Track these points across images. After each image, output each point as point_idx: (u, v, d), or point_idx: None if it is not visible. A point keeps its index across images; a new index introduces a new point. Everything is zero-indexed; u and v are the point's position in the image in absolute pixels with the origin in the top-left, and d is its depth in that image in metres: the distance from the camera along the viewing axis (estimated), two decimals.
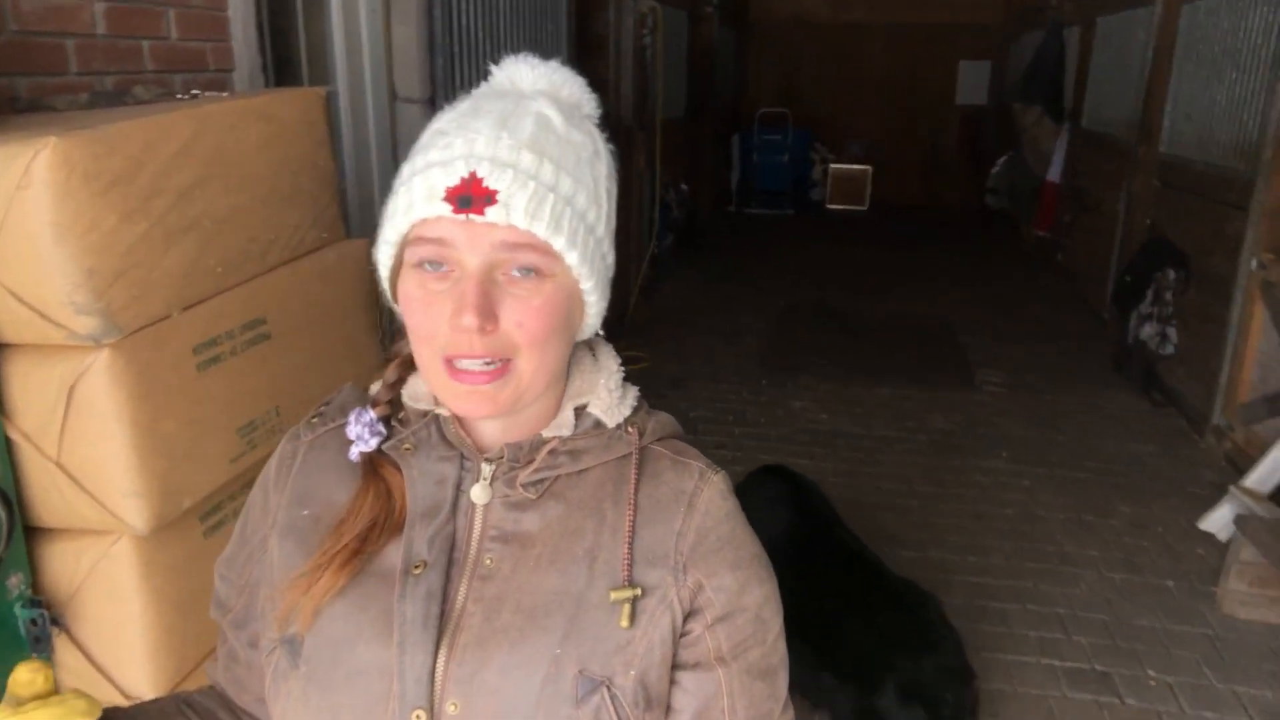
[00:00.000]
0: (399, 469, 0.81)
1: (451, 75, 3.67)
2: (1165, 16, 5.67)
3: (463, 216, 0.70)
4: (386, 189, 2.74)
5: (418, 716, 0.73)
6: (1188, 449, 4.49)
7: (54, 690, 0.72)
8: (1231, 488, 3.58)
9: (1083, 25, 7.57)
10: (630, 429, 0.82)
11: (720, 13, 9.47)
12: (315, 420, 0.89)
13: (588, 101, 0.81)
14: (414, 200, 0.72)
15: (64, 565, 1.48)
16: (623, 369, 0.86)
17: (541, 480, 0.79)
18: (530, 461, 0.80)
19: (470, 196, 0.69)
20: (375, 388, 0.86)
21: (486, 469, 0.80)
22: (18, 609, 1.42)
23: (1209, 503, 3.71)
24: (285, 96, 1.80)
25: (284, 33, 2.85)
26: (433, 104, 3.53)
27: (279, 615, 0.79)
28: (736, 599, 0.79)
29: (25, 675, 0.71)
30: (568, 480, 0.80)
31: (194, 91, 1.87)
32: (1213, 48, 4.94)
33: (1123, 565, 3.43)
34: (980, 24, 11.50)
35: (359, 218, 3.28)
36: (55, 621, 1.47)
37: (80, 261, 1.33)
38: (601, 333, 0.86)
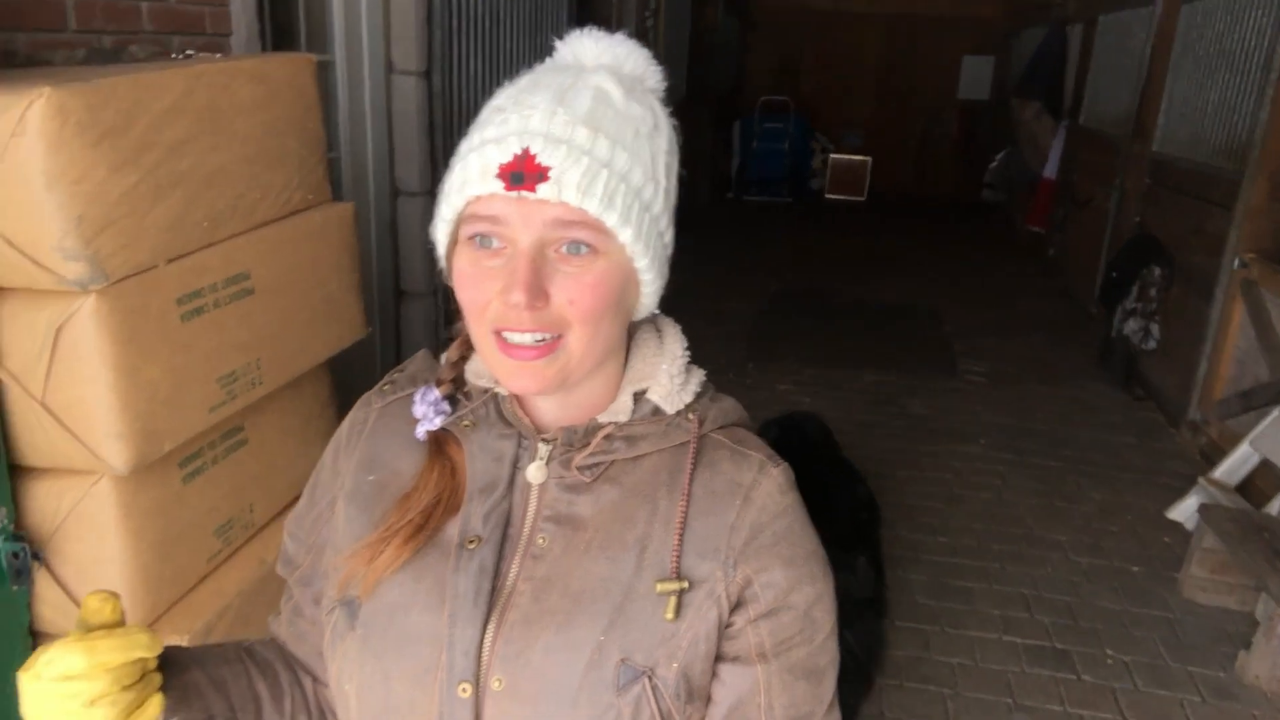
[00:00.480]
0: (460, 446, 0.81)
1: (449, 49, 3.71)
2: (1165, 16, 5.70)
3: (515, 194, 0.69)
4: (380, 158, 2.81)
5: (463, 689, 0.74)
6: (1163, 442, 4.56)
7: (121, 620, 0.73)
8: (1200, 479, 3.66)
9: (1085, 22, 7.60)
10: (691, 416, 0.81)
11: None
12: (387, 388, 0.88)
13: (652, 75, 0.80)
14: (468, 177, 0.71)
15: (46, 503, 1.55)
16: (688, 353, 0.84)
17: (597, 464, 0.79)
18: (586, 445, 0.79)
19: (522, 173, 0.69)
20: (448, 353, 0.87)
21: (543, 449, 0.80)
22: (0, 542, 1.49)
23: (1180, 494, 3.79)
24: (277, 60, 1.86)
25: (284, 1, 2.89)
26: (428, 77, 3.57)
27: (340, 580, 0.80)
28: (785, 596, 0.77)
29: (95, 603, 0.72)
30: (623, 465, 0.79)
31: (189, 52, 1.92)
32: (1209, 48, 4.98)
33: (1089, 550, 3.51)
34: (983, 18, 11.51)
35: (352, 189, 3.33)
36: (36, 556, 1.54)
37: (70, 209, 1.38)
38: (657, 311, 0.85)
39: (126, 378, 1.48)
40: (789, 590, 0.77)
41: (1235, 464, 3.63)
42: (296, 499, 2.07)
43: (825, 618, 0.79)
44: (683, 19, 7.97)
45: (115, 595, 0.73)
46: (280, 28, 2.87)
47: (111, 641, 0.69)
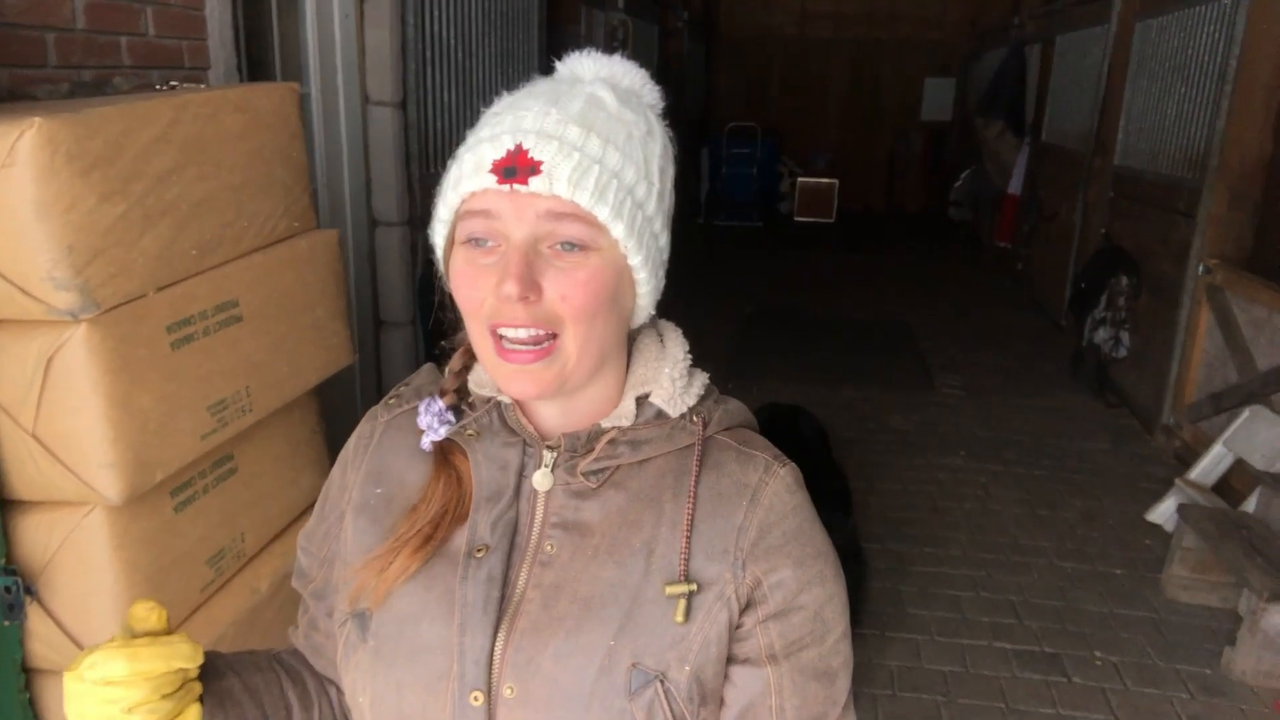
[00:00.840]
0: (465, 455, 0.81)
1: (423, 80, 3.74)
2: (1120, 34, 5.86)
3: (507, 187, 0.70)
4: (357, 189, 2.83)
5: (475, 697, 0.74)
6: (1139, 446, 4.63)
7: (166, 629, 0.73)
8: (1177, 480, 3.72)
9: (1043, 42, 7.79)
10: (695, 419, 0.81)
11: (690, 27, 9.61)
12: (393, 401, 0.89)
13: (650, 92, 0.81)
14: (463, 173, 0.73)
15: (37, 536, 1.53)
16: (689, 355, 0.85)
17: (602, 469, 0.79)
18: (590, 450, 0.79)
19: (515, 167, 0.70)
20: (451, 362, 0.87)
21: (548, 456, 0.79)
22: None
23: (1158, 497, 3.85)
24: (261, 90, 1.87)
25: (258, 34, 2.91)
26: (404, 108, 3.60)
27: (351, 593, 0.80)
28: (794, 597, 0.77)
29: (141, 611, 0.72)
30: (629, 470, 0.79)
31: (172, 83, 1.93)
32: (1163, 64, 5.12)
33: (1073, 555, 3.54)
34: (944, 42, 11.76)
35: (329, 218, 3.34)
36: (29, 590, 1.52)
37: (61, 239, 1.38)
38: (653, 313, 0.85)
39: (118, 407, 1.47)
40: (799, 591, 0.77)
41: (1210, 464, 3.69)
42: (289, 526, 2.06)
43: (837, 619, 0.79)
44: (650, 47, 8.07)
45: (160, 605, 0.74)
46: (255, 61, 2.89)
47: (154, 650, 0.70)
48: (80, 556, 1.52)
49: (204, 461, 1.72)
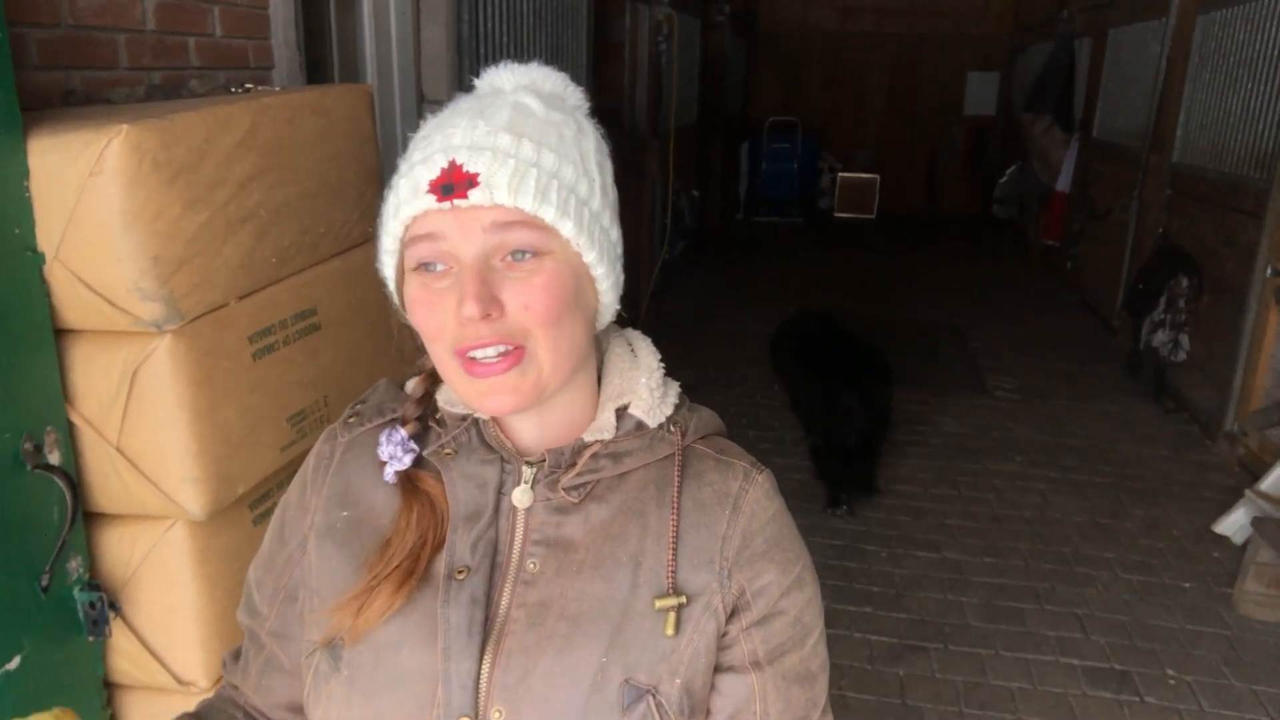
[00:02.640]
0: (439, 477, 0.80)
1: (477, 77, 3.71)
2: (1179, 28, 5.71)
3: (447, 204, 0.69)
4: None
5: None
6: (1200, 454, 4.51)
7: None
8: (1247, 491, 3.61)
9: (1094, 36, 7.62)
10: (673, 428, 0.81)
11: (731, 21, 9.52)
12: (352, 420, 0.87)
13: (573, 94, 0.80)
14: (400, 200, 0.72)
15: (120, 550, 1.51)
16: (663, 365, 0.84)
17: (584, 484, 0.78)
18: (572, 466, 0.78)
19: (451, 184, 0.69)
20: (410, 385, 0.86)
21: (528, 472, 0.79)
22: (76, 592, 1.45)
23: (1222, 507, 3.74)
24: (337, 92, 1.84)
25: (316, 33, 2.88)
26: None
27: (325, 634, 0.77)
28: (776, 602, 0.78)
29: None
30: (610, 483, 0.79)
31: (246, 85, 1.90)
32: (1228, 58, 4.98)
33: (1138, 567, 3.45)
34: (988, 35, 11.56)
35: None
36: (112, 605, 1.50)
37: (147, 248, 1.36)
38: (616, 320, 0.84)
39: (202, 420, 1.44)
40: (780, 596, 0.78)
41: None
42: None
43: (815, 621, 0.81)
44: (692, 42, 8.00)
45: (71, 713, 0.72)
46: (314, 60, 2.87)
47: None
48: (163, 571, 1.50)
49: (283, 474, 1.69)
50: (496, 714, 0.73)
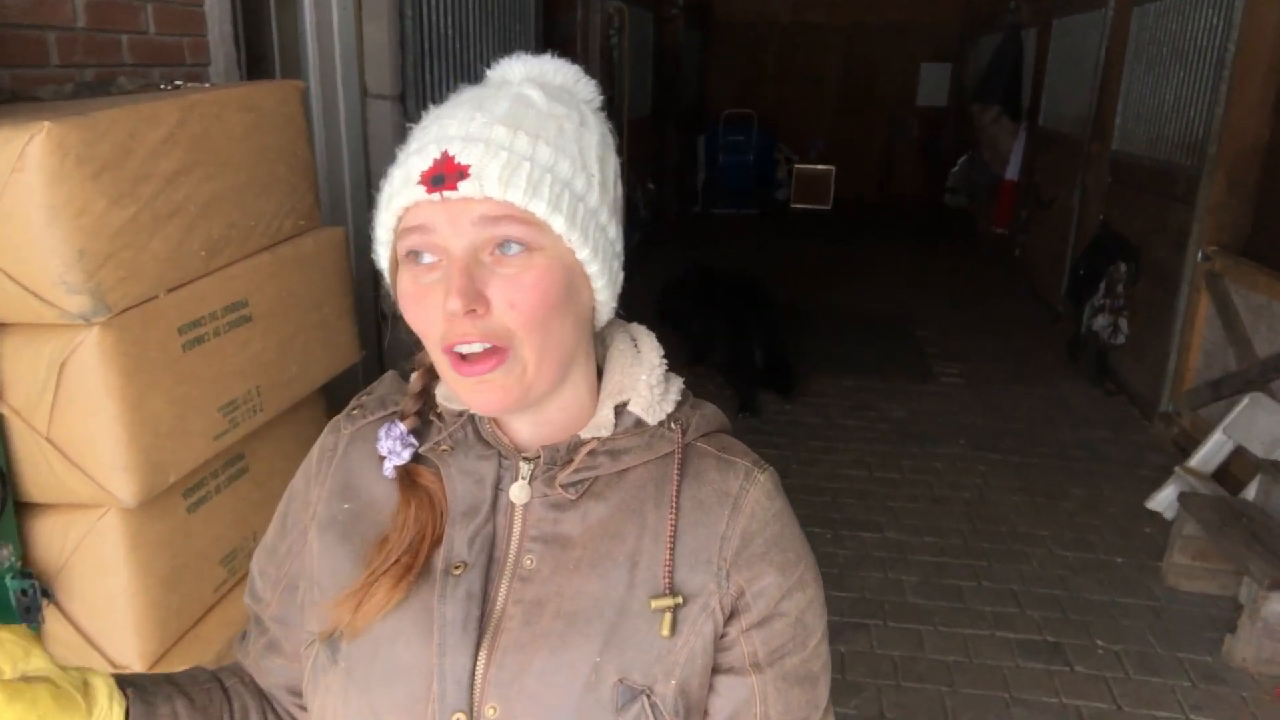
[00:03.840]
0: (438, 472, 0.79)
1: (422, 72, 3.73)
2: (1117, 19, 5.85)
3: (437, 196, 0.68)
4: (357, 184, 2.82)
5: (458, 718, 0.72)
6: (1138, 434, 4.65)
7: (44, 666, 0.68)
8: (1177, 468, 3.74)
9: (1039, 27, 7.77)
10: (674, 426, 0.79)
11: (685, 14, 9.58)
12: (355, 412, 0.86)
13: (584, 88, 0.79)
14: (393, 190, 0.71)
15: (53, 539, 1.54)
16: (666, 361, 0.83)
17: (581, 480, 0.77)
18: (569, 462, 0.77)
19: (442, 175, 0.68)
20: (410, 383, 0.84)
21: (525, 468, 0.78)
22: (8, 580, 1.48)
23: (1157, 485, 3.87)
24: (266, 88, 1.86)
25: (257, 29, 2.90)
26: (403, 100, 3.59)
27: (324, 630, 0.77)
28: (777, 604, 0.76)
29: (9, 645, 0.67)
30: (608, 480, 0.78)
31: (176, 82, 1.92)
32: (1161, 49, 5.12)
33: (1074, 544, 3.57)
34: (939, 25, 11.72)
35: (329, 213, 3.33)
36: (45, 593, 1.52)
37: (72, 242, 1.38)
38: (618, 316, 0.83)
39: (131, 409, 1.47)
40: (781, 598, 0.77)
41: (1210, 452, 3.71)
42: None
43: (816, 623, 0.79)
44: (645, 35, 8.04)
45: (22, 635, 0.69)
46: (254, 56, 2.88)
47: (28, 697, 0.65)
48: (96, 559, 1.53)
49: (216, 462, 1.72)
50: (491, 710, 0.72)
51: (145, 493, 1.51)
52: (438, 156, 0.69)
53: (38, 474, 1.48)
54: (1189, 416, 4.36)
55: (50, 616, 1.54)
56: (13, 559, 1.48)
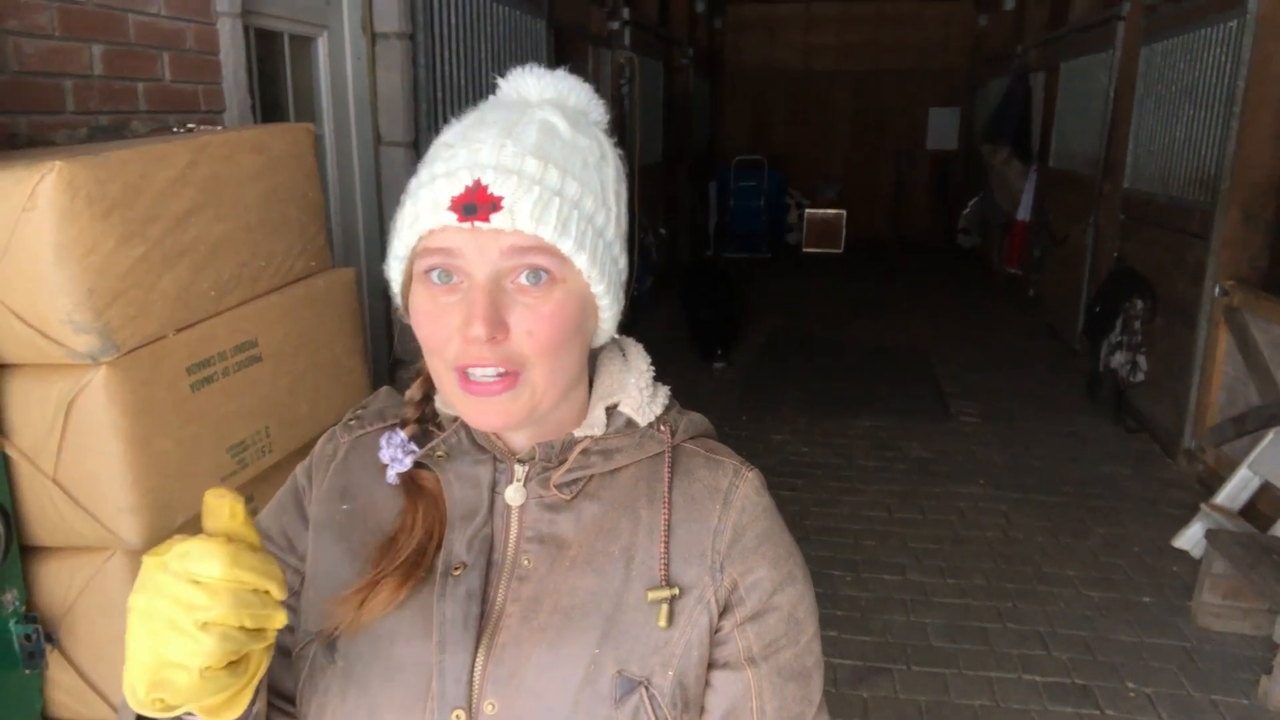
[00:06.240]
0: (436, 478, 0.81)
1: (435, 120, 3.77)
2: (1125, 59, 5.88)
3: (468, 224, 0.69)
4: (370, 229, 2.85)
5: (457, 716, 0.73)
6: (1160, 471, 4.57)
7: (256, 539, 0.63)
8: (1203, 505, 3.66)
9: (1047, 69, 7.82)
10: (663, 427, 0.82)
11: (695, 63, 9.71)
12: (353, 423, 0.87)
13: (595, 109, 0.81)
14: (420, 212, 0.72)
15: (58, 582, 1.52)
16: (653, 368, 0.85)
17: (575, 481, 0.79)
18: (563, 461, 0.79)
19: (475, 204, 0.69)
20: (410, 392, 0.85)
21: (520, 470, 0.79)
22: (12, 625, 1.46)
23: (1182, 522, 3.78)
24: (277, 130, 1.88)
25: (271, 77, 2.94)
26: (416, 148, 3.62)
27: (325, 629, 0.77)
28: (769, 597, 0.78)
29: (221, 506, 0.62)
30: (601, 480, 0.80)
31: (189, 125, 1.94)
32: (1170, 87, 5.13)
33: (1099, 583, 3.48)
34: (947, 70, 11.84)
35: (342, 256, 3.35)
36: (49, 638, 1.50)
37: (81, 281, 1.38)
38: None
39: (138, 450, 1.46)
40: (773, 591, 0.78)
41: (1236, 488, 3.63)
42: None
43: (808, 618, 0.81)
44: (656, 84, 8.14)
45: (240, 500, 0.63)
46: (269, 104, 2.92)
47: (256, 559, 0.60)
48: (101, 603, 1.51)
49: None
50: (489, 706, 0.73)
51: (152, 535, 1.49)
52: (470, 184, 0.70)
53: (44, 516, 1.47)
54: (1213, 453, 4.28)
55: (53, 662, 1.51)
56: (17, 604, 1.46)
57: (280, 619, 0.63)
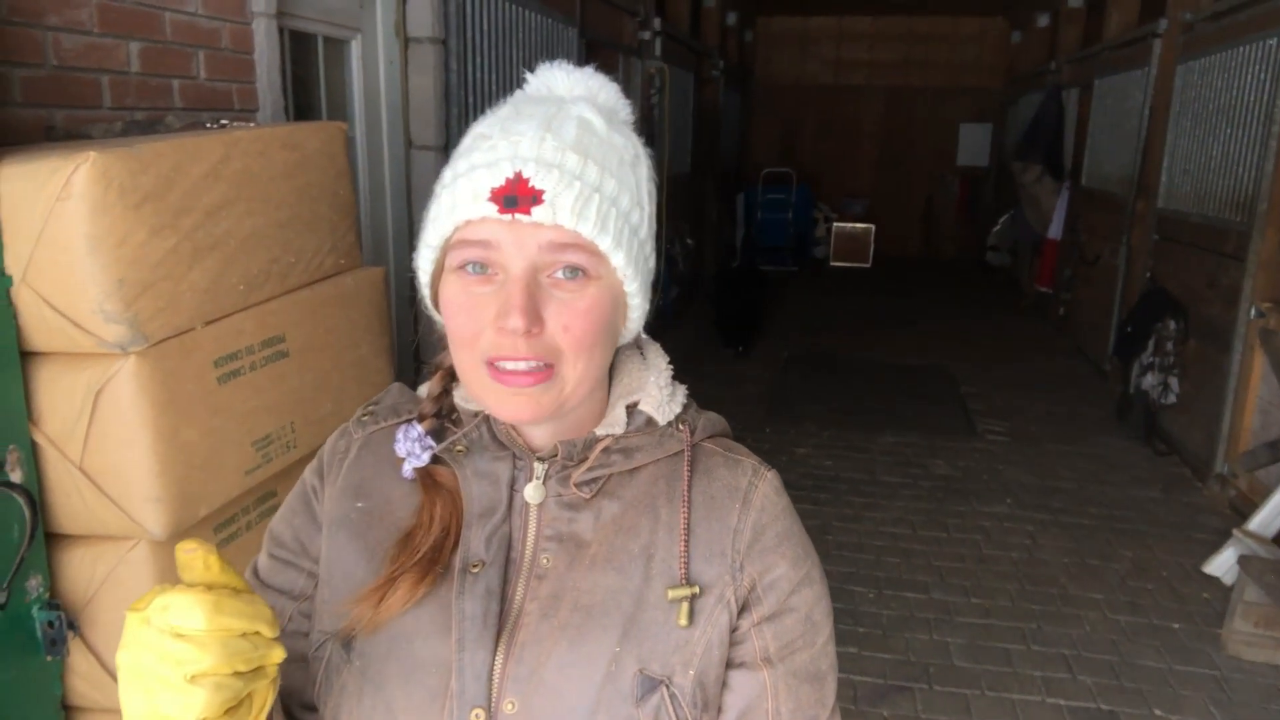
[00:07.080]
0: (454, 473, 0.80)
1: (465, 124, 3.78)
2: (1160, 77, 5.81)
3: (508, 216, 0.69)
4: (400, 232, 2.86)
5: (476, 715, 0.72)
6: (1190, 495, 4.49)
7: (239, 583, 0.60)
8: (1235, 531, 3.59)
9: (1080, 87, 7.76)
10: (682, 426, 0.81)
11: (725, 75, 9.71)
12: (366, 419, 0.86)
13: (624, 108, 0.81)
14: (458, 201, 0.71)
15: (81, 570, 1.52)
16: (671, 367, 0.85)
17: (595, 479, 0.78)
18: (584, 460, 0.78)
19: (516, 196, 0.68)
20: (424, 389, 0.85)
21: (539, 468, 0.79)
22: (35, 610, 1.46)
23: (1212, 548, 3.71)
24: (309, 128, 1.89)
25: (305, 79, 2.96)
26: (446, 151, 3.64)
27: (344, 628, 0.76)
28: (787, 598, 0.78)
29: (193, 560, 0.58)
30: (620, 479, 0.79)
31: (222, 121, 1.96)
32: (1207, 105, 5.07)
33: (1127, 607, 3.42)
34: (979, 87, 11.77)
35: (371, 257, 3.36)
36: (70, 625, 1.50)
37: (112, 272, 1.39)
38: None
39: (165, 441, 1.47)
40: (791, 591, 0.78)
41: (1270, 515, 3.56)
42: None
43: (824, 620, 0.80)
44: (686, 95, 8.15)
45: (215, 550, 0.59)
46: (302, 105, 2.94)
47: (239, 604, 0.58)
48: (124, 592, 1.51)
49: (248, 498, 1.71)
50: (509, 705, 0.72)
51: (176, 525, 1.49)
52: (511, 176, 0.69)
53: (69, 504, 1.48)
54: (1246, 478, 4.20)
55: (74, 650, 1.52)
56: (41, 589, 1.46)
57: (278, 654, 0.61)
